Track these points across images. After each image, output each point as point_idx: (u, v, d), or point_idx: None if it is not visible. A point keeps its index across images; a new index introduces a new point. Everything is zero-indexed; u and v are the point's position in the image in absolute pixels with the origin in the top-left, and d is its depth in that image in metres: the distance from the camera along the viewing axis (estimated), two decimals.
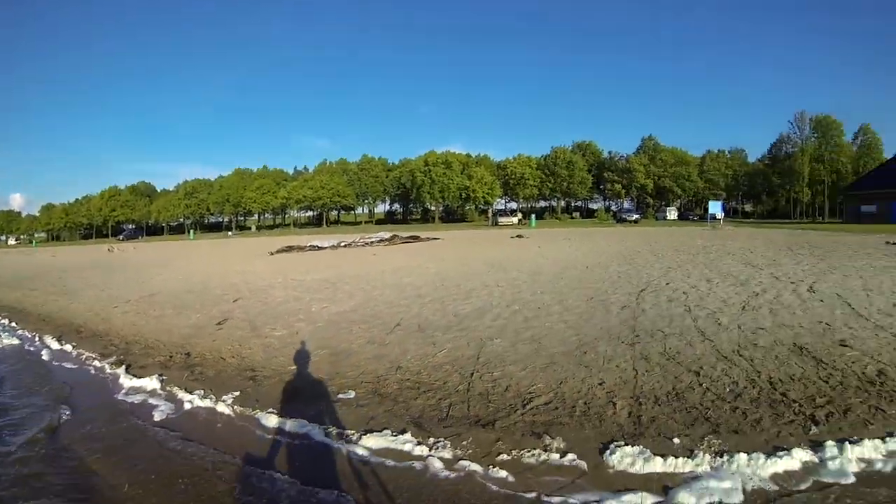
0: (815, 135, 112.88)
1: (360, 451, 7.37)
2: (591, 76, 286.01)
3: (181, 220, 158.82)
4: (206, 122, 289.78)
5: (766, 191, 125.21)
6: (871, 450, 6.60)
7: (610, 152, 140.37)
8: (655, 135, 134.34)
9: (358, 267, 28.83)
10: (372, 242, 47.64)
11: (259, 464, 7.27)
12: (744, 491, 5.91)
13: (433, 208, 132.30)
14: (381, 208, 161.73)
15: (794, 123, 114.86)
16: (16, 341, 16.36)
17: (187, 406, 9.73)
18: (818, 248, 29.52)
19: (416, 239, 52.11)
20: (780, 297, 15.22)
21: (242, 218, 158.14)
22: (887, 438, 6.88)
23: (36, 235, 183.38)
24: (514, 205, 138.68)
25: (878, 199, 73.28)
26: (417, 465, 6.93)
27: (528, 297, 16.93)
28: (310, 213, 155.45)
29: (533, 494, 6.11)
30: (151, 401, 10.14)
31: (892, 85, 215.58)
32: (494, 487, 6.27)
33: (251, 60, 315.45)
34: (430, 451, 7.23)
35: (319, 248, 45.06)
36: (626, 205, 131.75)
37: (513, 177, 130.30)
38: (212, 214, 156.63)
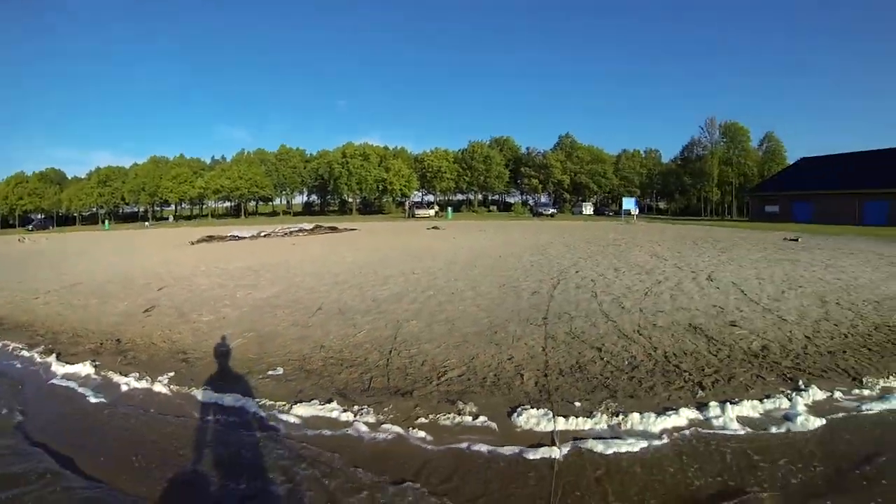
0: (724, 139, 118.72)
1: (292, 419, 7.97)
2: (509, 73, 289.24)
3: (94, 209, 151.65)
4: (118, 107, 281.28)
5: (678, 189, 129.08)
6: (749, 409, 7.73)
7: (528, 148, 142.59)
8: (572, 133, 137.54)
9: (279, 256, 29.28)
10: (291, 232, 48.41)
11: (200, 434, 7.80)
12: (637, 442, 6.80)
13: (351, 200, 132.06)
14: (300, 199, 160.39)
15: (704, 128, 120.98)
16: None
17: (124, 388, 9.97)
18: (721, 243, 31.72)
19: (334, 230, 52.98)
20: (681, 285, 16.42)
21: (159, 208, 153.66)
22: (764, 399, 8.01)
23: None
24: (431, 197, 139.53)
25: (781, 199, 77.77)
26: (345, 429, 7.58)
27: (443, 284, 17.80)
28: (228, 204, 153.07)
29: (449, 450, 6.85)
30: (87, 385, 10.29)
31: (795, 94, 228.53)
32: (415, 445, 6.99)
33: (167, 46, 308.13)
34: (355, 416, 7.90)
35: (239, 238, 45.25)
36: (544, 199, 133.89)
37: (430, 170, 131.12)
38: (127, 204, 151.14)
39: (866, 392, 8.46)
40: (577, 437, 7.11)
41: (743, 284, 16.32)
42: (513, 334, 11.44)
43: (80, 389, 10.10)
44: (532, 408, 7.75)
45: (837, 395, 8.30)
